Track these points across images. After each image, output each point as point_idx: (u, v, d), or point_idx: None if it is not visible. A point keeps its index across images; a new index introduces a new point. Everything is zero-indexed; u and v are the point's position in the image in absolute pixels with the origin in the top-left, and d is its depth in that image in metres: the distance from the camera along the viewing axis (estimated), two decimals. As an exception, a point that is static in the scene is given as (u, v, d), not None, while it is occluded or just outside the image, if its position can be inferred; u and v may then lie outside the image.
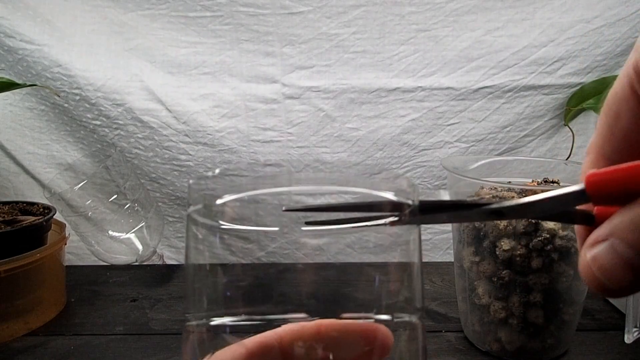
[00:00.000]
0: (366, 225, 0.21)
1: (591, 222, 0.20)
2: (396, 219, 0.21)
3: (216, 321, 0.22)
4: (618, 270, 0.17)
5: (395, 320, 0.22)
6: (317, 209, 0.22)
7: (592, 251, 0.18)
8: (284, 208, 0.22)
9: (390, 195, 0.22)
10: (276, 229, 0.22)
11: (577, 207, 0.20)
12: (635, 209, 0.17)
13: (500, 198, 0.21)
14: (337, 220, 0.22)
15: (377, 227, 0.22)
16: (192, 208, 0.22)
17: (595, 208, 0.20)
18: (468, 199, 0.22)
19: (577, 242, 0.20)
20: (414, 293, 0.23)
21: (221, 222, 0.21)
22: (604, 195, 0.18)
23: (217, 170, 0.22)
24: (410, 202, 0.21)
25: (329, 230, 0.22)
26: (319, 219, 0.22)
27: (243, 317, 0.22)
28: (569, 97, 0.82)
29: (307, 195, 0.23)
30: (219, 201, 0.21)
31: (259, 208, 0.23)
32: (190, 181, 0.22)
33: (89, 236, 0.79)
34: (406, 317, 0.23)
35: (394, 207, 0.21)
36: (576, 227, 0.21)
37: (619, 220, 0.17)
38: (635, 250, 0.17)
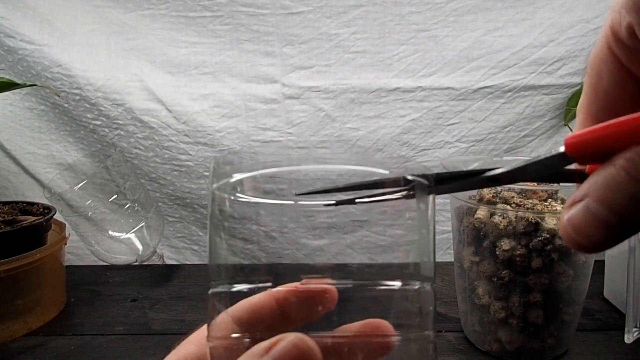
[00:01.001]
0: (379, 200, 0.23)
1: (584, 175, 0.20)
2: (405, 193, 0.22)
3: (237, 287, 0.23)
4: (591, 228, 0.18)
5: (405, 287, 0.23)
6: (327, 191, 0.23)
7: (569, 212, 0.19)
8: (295, 192, 0.23)
9: (385, 172, 0.23)
10: (291, 202, 0.23)
11: (572, 167, 0.21)
12: (608, 168, 0.18)
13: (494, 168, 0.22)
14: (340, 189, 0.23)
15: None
16: (214, 185, 0.24)
17: (588, 166, 0.20)
18: (464, 169, 0.23)
19: None
20: (425, 262, 0.24)
21: (238, 195, 0.24)
22: (584, 156, 0.19)
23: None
24: (410, 177, 0.23)
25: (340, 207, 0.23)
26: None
27: (263, 284, 0.23)
28: (569, 97, 0.82)
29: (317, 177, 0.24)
30: (233, 179, 0.23)
31: (274, 184, 0.24)
32: (215, 155, 0.24)
33: (89, 236, 0.79)
34: (417, 285, 0.23)
35: (396, 184, 0.23)
36: (576, 186, 0.21)
37: (593, 181, 0.18)
38: (608, 208, 0.18)
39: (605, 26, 0.19)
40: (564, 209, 0.19)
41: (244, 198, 0.23)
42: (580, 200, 0.18)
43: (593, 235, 0.18)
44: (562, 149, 0.19)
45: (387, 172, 0.23)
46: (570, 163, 0.19)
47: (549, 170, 0.21)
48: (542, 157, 0.20)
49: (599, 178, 0.18)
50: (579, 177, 0.20)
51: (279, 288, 0.23)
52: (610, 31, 0.19)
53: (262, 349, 0.18)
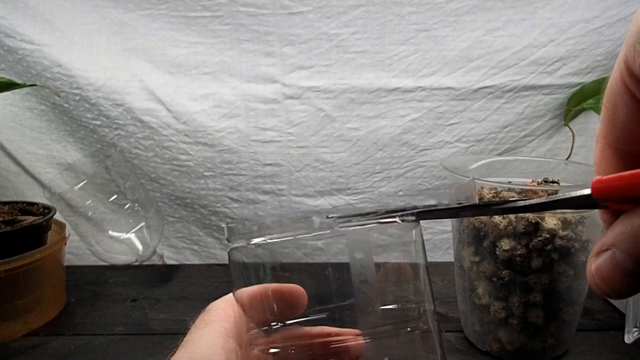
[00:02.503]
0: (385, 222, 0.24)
1: (607, 207, 0.20)
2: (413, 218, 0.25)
3: (257, 240, 0.25)
4: (618, 278, 0.18)
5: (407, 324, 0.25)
6: (359, 215, 0.24)
7: (597, 261, 0.19)
8: (329, 215, 0.24)
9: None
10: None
11: None
12: (634, 219, 0.18)
13: (511, 198, 0.23)
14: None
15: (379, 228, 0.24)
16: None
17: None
18: (482, 201, 0.24)
19: (603, 226, 0.21)
20: (423, 293, 0.26)
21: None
22: (609, 200, 0.19)
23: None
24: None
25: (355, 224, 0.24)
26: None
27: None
28: (569, 97, 0.82)
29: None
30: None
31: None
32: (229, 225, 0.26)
33: (89, 236, 0.79)
34: (418, 319, 0.25)
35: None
36: (599, 212, 0.22)
37: (619, 231, 0.18)
38: (634, 260, 0.18)
39: (619, 59, 0.19)
40: (592, 256, 0.19)
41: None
42: (607, 250, 0.19)
43: (620, 285, 0.18)
44: (587, 191, 0.19)
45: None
46: (594, 204, 0.20)
47: (572, 207, 0.21)
48: (567, 196, 0.21)
49: (626, 228, 0.18)
50: (603, 207, 0.21)
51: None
52: (625, 65, 0.19)
53: None
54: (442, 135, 0.84)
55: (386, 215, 0.24)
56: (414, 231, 0.26)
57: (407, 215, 0.25)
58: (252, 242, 0.25)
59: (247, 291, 0.26)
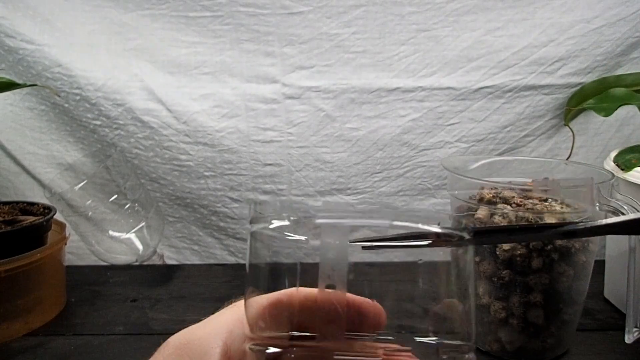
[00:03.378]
0: (411, 245, 0.24)
1: None
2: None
3: (276, 224, 0.24)
4: None
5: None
6: (379, 240, 0.23)
7: None
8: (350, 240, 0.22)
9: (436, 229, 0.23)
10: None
11: None
12: None
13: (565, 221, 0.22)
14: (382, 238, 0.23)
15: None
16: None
17: None
18: (536, 222, 0.23)
19: None
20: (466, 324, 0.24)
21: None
22: None
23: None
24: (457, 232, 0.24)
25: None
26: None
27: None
28: (569, 97, 0.82)
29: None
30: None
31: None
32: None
33: (89, 236, 0.79)
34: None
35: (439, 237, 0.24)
36: None
37: None
38: None
39: None
40: None
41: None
42: None
43: None
44: None
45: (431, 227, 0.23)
46: None
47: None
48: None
49: None
50: None
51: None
52: None
53: None
54: (442, 135, 0.84)
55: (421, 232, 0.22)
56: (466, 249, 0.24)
57: (459, 232, 0.22)
58: (271, 226, 0.23)
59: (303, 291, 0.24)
